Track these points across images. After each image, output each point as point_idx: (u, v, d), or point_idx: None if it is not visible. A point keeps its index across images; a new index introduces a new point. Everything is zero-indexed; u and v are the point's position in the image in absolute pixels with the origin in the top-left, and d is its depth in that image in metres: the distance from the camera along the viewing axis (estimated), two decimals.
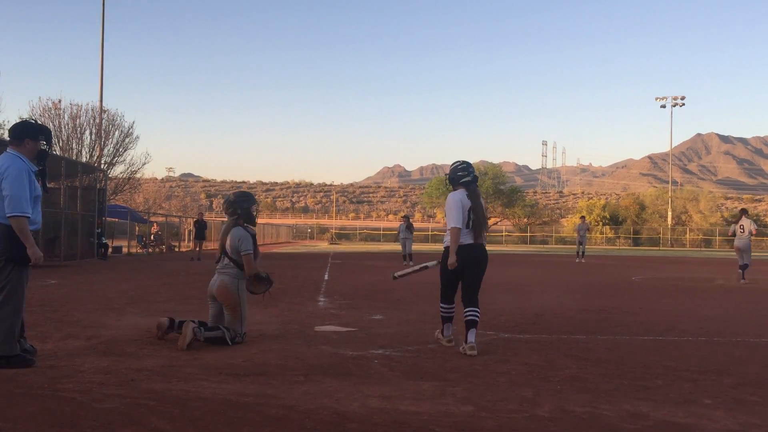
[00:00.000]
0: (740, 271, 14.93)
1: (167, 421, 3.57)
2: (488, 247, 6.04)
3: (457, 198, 5.82)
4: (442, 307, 6.06)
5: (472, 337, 5.67)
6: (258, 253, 6.31)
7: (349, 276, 15.80)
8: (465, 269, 5.80)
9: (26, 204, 4.76)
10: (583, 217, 30.57)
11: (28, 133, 4.97)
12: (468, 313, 5.71)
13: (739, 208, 16.64)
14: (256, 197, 6.98)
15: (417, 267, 6.87)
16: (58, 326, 6.84)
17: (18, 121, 5.30)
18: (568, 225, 72.71)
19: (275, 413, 3.75)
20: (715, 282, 15.26)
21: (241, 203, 6.32)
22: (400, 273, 6.90)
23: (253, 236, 6.27)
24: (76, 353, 5.42)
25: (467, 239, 5.77)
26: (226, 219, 6.50)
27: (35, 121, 5.50)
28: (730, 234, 14.74)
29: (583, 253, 26.90)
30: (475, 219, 5.77)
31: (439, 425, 3.56)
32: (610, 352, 5.85)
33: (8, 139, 5.04)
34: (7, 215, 4.70)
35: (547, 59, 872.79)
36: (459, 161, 6.06)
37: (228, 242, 6.18)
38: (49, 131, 5.27)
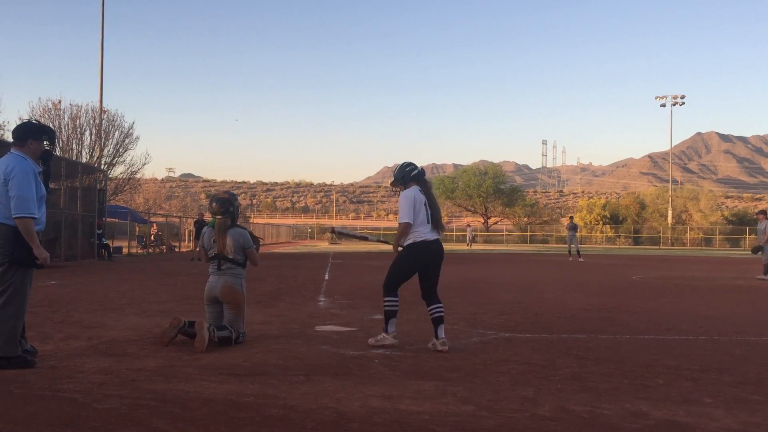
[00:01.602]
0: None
1: (168, 421, 3.57)
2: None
3: (411, 194, 5.85)
4: (389, 301, 5.89)
5: (442, 332, 5.78)
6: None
7: (349, 276, 15.80)
8: (428, 267, 5.87)
9: (33, 205, 4.77)
10: (571, 218, 31.04)
11: (30, 133, 4.98)
12: (436, 310, 5.79)
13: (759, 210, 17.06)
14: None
15: (359, 234, 6.83)
16: (58, 327, 6.84)
17: (20, 122, 5.32)
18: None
19: (276, 413, 3.75)
20: (718, 281, 15.27)
21: (233, 201, 6.33)
22: (340, 230, 6.87)
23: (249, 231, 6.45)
24: (76, 354, 5.42)
25: (429, 235, 5.81)
26: (211, 218, 6.35)
27: (37, 121, 5.51)
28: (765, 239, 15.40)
29: (578, 252, 27.06)
30: (433, 213, 5.86)
31: (440, 425, 3.56)
32: (610, 351, 5.85)
33: (12, 140, 5.05)
34: (14, 216, 4.69)
35: (547, 58, 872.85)
36: (404, 162, 6.12)
37: (228, 243, 6.14)
38: (53, 131, 5.28)
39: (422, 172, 6.02)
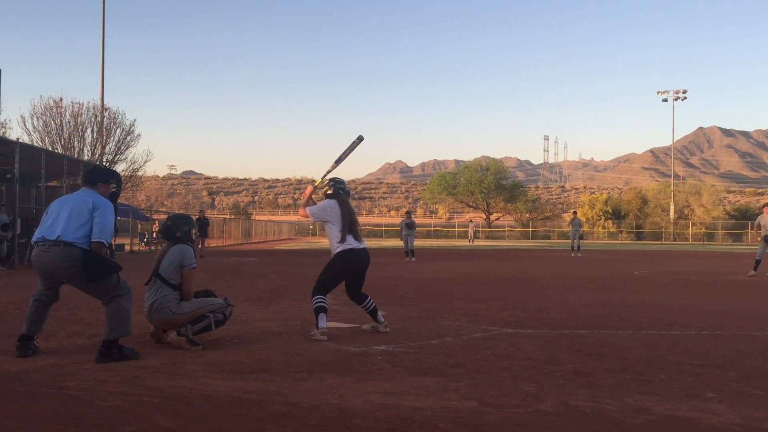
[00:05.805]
0: None
1: (171, 418, 3.58)
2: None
3: (328, 203, 6.45)
4: (321, 299, 6.23)
5: (381, 317, 6.60)
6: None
7: None
8: (359, 272, 6.49)
9: (110, 234, 5.35)
10: (574, 212, 31.05)
11: (100, 177, 5.51)
12: (369, 303, 6.56)
13: None
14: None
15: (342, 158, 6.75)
16: (61, 324, 6.86)
17: (90, 167, 6.01)
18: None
19: (279, 410, 3.76)
20: (721, 276, 15.24)
21: (181, 226, 5.92)
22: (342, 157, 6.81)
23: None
24: (79, 351, 5.44)
25: (355, 244, 6.38)
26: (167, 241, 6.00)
27: (105, 167, 5.92)
28: None
29: (578, 247, 26.97)
30: (352, 226, 6.45)
31: (443, 421, 3.57)
32: (613, 347, 5.85)
33: (82, 181, 5.59)
34: (95, 239, 5.14)
35: (549, 53, 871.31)
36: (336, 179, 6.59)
37: (165, 260, 5.76)
38: (119, 175, 5.86)
39: (344, 190, 6.52)
